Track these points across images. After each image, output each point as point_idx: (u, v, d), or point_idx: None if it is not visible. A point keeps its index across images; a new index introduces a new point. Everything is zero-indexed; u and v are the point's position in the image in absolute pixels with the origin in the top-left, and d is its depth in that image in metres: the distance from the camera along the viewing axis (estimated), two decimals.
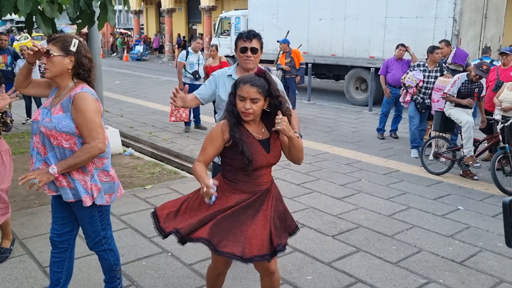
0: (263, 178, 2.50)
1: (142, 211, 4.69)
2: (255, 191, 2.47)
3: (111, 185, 2.74)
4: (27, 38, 21.38)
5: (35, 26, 3.96)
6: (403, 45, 8.31)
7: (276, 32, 13.39)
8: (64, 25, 21.18)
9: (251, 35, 3.18)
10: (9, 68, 8.35)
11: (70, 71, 2.56)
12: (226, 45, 16.56)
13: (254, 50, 3.18)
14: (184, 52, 8.77)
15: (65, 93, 2.57)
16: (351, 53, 12.36)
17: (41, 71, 10.22)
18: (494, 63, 8.55)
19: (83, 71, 2.58)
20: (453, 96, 6.10)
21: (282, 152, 2.55)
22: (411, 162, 6.78)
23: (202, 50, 11.14)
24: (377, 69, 10.06)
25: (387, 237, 4.21)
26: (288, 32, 11.42)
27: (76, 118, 2.50)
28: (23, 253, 3.75)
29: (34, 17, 3.94)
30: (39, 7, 3.54)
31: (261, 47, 3.26)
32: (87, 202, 2.61)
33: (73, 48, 2.53)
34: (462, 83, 6.07)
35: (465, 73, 6.25)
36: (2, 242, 3.71)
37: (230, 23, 17.67)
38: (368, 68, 11.60)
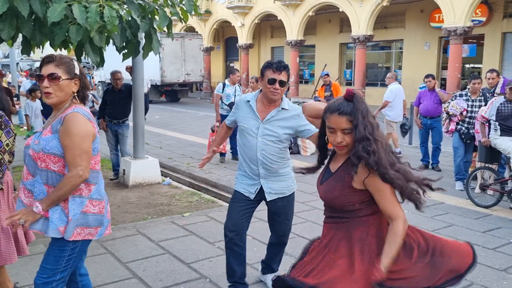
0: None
1: (181, 237, 4.67)
2: None
3: (99, 218, 2.43)
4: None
5: (84, 55, 4.12)
6: (429, 75, 8.24)
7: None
8: None
9: (282, 67, 3.06)
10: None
11: (74, 94, 2.42)
12: (99, 75, 25.16)
13: (282, 83, 3.07)
14: (220, 84, 8.81)
15: (58, 114, 2.40)
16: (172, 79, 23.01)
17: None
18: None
19: (83, 93, 2.46)
20: (489, 120, 5.98)
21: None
22: (456, 194, 6.51)
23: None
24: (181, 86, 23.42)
25: None
26: (326, 65, 11.51)
27: (63, 140, 2.32)
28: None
29: (84, 45, 4.11)
30: (89, 35, 3.69)
31: (288, 79, 3.18)
32: (58, 234, 2.33)
33: (77, 71, 2.40)
34: (501, 104, 5.92)
35: (502, 96, 6.11)
36: None
37: None
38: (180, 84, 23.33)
